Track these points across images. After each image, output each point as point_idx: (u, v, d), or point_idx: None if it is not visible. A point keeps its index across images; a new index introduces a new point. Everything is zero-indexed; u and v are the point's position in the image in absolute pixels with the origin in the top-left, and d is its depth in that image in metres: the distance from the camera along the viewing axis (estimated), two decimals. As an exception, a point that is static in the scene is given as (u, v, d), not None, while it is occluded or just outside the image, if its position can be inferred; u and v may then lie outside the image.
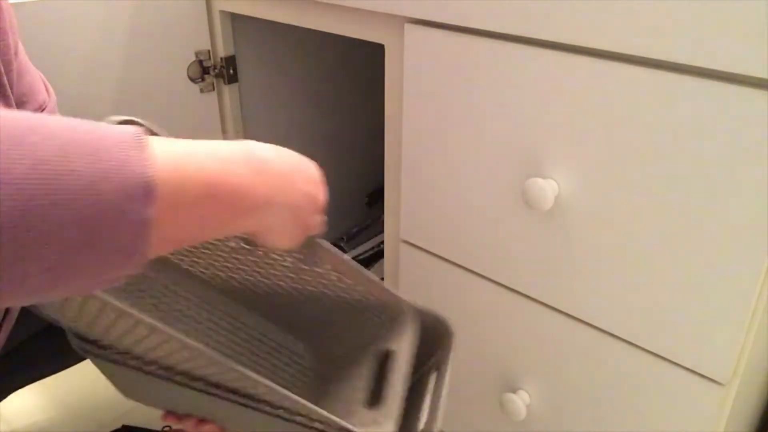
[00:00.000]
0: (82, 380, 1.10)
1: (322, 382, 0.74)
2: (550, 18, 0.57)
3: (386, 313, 0.67)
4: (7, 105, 0.63)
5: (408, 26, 0.70)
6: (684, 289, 0.58)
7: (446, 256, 0.78)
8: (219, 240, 0.62)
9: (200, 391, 0.55)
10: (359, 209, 1.45)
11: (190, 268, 0.71)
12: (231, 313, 0.74)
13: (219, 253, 0.66)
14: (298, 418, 0.57)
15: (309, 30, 0.86)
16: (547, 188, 0.62)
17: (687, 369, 0.61)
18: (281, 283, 0.67)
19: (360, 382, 0.66)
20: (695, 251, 0.56)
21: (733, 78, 0.50)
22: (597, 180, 0.60)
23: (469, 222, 0.73)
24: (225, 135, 1.11)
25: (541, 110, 0.62)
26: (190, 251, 0.68)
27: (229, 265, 0.68)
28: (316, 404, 0.58)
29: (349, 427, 0.55)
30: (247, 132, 1.14)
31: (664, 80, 0.53)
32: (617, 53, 0.55)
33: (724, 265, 0.55)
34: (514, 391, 0.77)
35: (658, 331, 0.61)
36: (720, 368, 0.58)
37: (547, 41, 0.60)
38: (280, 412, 0.57)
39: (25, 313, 0.70)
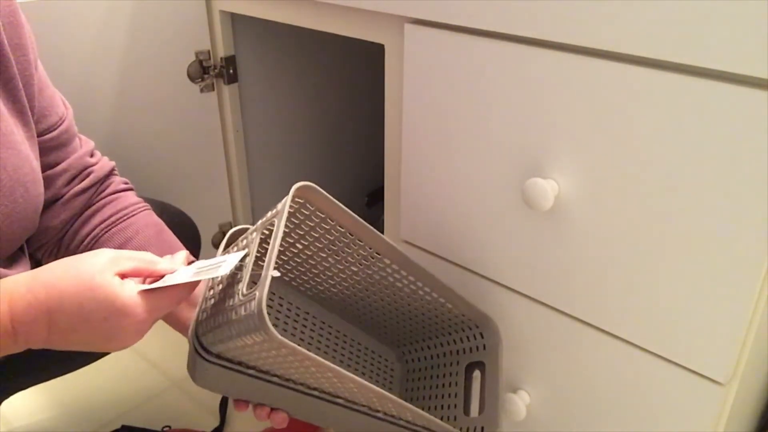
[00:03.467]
0: (82, 380, 1.10)
1: (410, 387, 0.81)
2: (550, 18, 0.57)
3: (474, 327, 0.75)
4: (25, 122, 0.64)
5: (408, 26, 0.70)
6: (684, 289, 0.58)
7: (446, 256, 0.78)
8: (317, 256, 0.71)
9: (309, 395, 0.60)
10: (359, 209, 1.45)
11: (285, 279, 0.77)
12: (322, 320, 0.80)
13: (315, 266, 0.73)
14: (401, 422, 0.64)
15: (309, 30, 0.86)
16: (547, 188, 0.62)
17: (687, 369, 0.61)
18: (370, 292, 0.75)
19: (451, 389, 0.75)
20: (695, 251, 0.56)
21: (733, 78, 0.50)
22: (597, 180, 0.60)
23: (469, 222, 0.73)
24: (225, 134, 1.11)
25: (542, 110, 0.62)
26: (294, 267, 0.74)
27: (311, 272, 0.74)
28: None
29: None
30: (247, 131, 1.14)
31: (664, 80, 0.53)
32: (617, 53, 0.56)
33: (724, 265, 0.55)
34: (514, 391, 0.77)
35: (658, 331, 0.61)
36: (720, 368, 0.58)
37: (547, 41, 0.60)
38: (380, 415, 0.63)
39: None
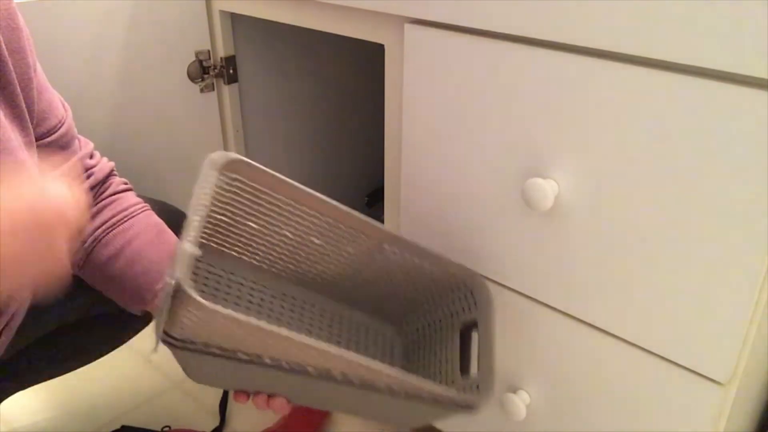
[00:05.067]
0: (82, 380, 1.10)
1: (412, 359, 0.80)
2: (550, 18, 0.57)
3: (464, 287, 0.73)
4: (24, 127, 0.63)
5: (408, 26, 0.70)
6: (684, 289, 0.58)
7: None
8: (284, 236, 0.70)
9: (300, 374, 0.59)
10: (359, 209, 1.44)
11: (254, 262, 0.75)
12: (308, 301, 0.79)
13: (286, 247, 0.72)
14: (403, 394, 0.62)
15: (309, 30, 0.86)
16: (547, 188, 0.62)
17: (687, 369, 0.61)
18: (358, 270, 0.73)
19: (450, 353, 0.73)
20: (695, 251, 0.56)
21: (733, 78, 0.50)
22: (597, 180, 0.60)
23: (469, 222, 0.73)
24: (225, 134, 1.11)
25: (541, 110, 0.62)
26: (251, 245, 0.73)
27: (296, 257, 0.73)
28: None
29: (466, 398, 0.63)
30: (247, 131, 1.14)
31: (664, 80, 0.53)
32: (617, 53, 0.56)
33: (724, 265, 0.55)
34: (514, 391, 0.77)
35: (657, 331, 0.61)
36: (720, 368, 0.58)
37: (547, 41, 0.60)
38: (382, 386, 0.61)
39: (27, 322, 0.71)
